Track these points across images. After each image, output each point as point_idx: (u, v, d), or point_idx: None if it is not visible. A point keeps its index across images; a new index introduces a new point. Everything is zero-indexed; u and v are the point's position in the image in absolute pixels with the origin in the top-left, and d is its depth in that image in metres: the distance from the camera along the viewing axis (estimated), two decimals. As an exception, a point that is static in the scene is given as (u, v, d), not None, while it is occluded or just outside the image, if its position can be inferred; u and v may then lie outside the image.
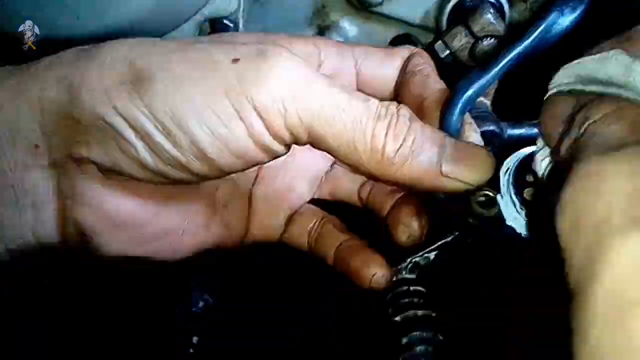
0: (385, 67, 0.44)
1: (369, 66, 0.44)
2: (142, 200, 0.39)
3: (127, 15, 0.45)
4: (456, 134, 0.40)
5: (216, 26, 0.49)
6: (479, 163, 0.37)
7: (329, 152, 0.36)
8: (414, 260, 0.42)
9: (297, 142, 0.36)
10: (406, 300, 0.40)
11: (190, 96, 0.33)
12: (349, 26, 0.55)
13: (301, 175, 0.48)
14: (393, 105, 0.36)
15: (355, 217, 0.48)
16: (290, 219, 0.47)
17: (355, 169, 0.37)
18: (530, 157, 0.42)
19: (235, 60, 0.34)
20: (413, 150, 0.35)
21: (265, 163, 0.37)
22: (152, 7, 0.46)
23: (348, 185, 0.48)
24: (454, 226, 0.41)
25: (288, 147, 0.37)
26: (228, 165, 0.36)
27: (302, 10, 0.55)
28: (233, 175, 0.44)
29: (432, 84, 0.43)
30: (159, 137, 0.34)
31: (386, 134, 0.35)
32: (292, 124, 0.34)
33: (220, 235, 0.44)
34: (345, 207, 0.49)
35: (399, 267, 0.42)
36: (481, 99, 0.52)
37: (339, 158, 0.36)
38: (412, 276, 0.42)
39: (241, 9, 0.50)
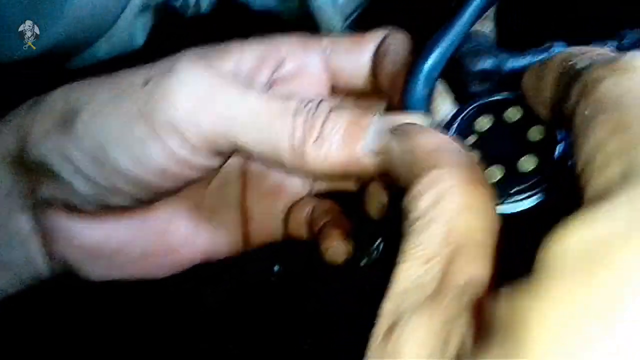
0: (355, 54, 0.42)
1: (339, 56, 0.43)
2: (111, 229, 0.40)
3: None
4: (420, 107, 0.35)
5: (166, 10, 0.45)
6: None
7: (258, 160, 0.35)
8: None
9: (225, 151, 0.35)
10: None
11: (109, 122, 0.34)
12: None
13: None
14: (315, 100, 0.34)
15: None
16: (287, 216, 0.44)
17: (289, 174, 0.36)
18: (478, 110, 0.34)
19: (147, 82, 0.35)
20: (332, 136, 0.33)
21: (200, 177, 0.37)
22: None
23: None
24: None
25: (219, 157, 0.36)
26: (157, 186, 0.36)
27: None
28: (215, 187, 0.45)
29: (406, 60, 0.39)
30: (89, 168, 0.35)
31: (303, 128, 0.33)
32: (209, 136, 0.34)
33: (208, 249, 0.43)
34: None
35: (371, 248, 0.37)
36: (478, 28, 0.43)
37: (268, 166, 0.35)
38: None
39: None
